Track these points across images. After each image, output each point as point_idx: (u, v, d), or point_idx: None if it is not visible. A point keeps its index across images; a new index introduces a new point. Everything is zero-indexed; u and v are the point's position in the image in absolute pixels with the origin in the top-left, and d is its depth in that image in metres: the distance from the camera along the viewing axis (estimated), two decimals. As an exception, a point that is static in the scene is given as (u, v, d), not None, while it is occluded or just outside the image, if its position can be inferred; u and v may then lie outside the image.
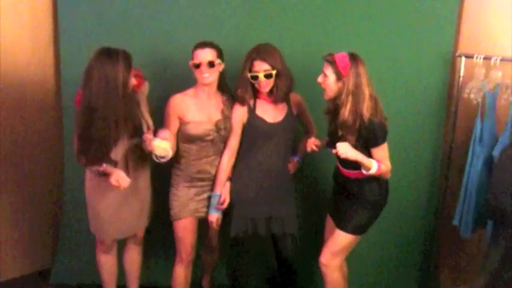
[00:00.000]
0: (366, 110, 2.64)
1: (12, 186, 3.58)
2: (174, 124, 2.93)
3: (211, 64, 2.86)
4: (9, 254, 3.64)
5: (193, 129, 2.92)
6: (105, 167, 2.77)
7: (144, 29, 3.37)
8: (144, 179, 3.04)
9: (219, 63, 2.90)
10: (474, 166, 3.16)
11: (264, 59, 2.85)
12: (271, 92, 2.95)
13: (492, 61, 3.13)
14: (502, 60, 3.12)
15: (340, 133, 2.74)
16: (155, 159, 2.76)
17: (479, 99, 3.17)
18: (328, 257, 2.90)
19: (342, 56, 2.69)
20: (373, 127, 2.67)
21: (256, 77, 2.87)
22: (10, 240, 3.63)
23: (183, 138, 2.96)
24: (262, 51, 2.87)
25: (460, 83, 3.30)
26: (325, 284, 2.95)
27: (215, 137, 2.96)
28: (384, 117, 2.72)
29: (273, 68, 2.86)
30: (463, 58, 3.26)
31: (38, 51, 3.53)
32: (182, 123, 2.93)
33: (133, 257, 3.25)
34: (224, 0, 3.35)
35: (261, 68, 2.86)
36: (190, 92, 2.97)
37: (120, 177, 2.78)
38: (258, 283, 3.45)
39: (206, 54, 2.86)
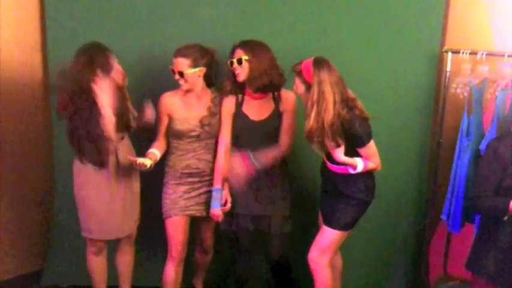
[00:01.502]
0: (328, 117, 2.63)
1: (2, 188, 3.57)
2: (164, 121, 3.03)
3: (180, 74, 2.92)
4: (0, 256, 3.63)
5: (179, 125, 3.00)
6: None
7: (133, 27, 3.37)
8: (135, 175, 3.07)
9: (193, 72, 2.93)
10: (461, 160, 3.17)
11: (241, 46, 2.91)
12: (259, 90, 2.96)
13: (478, 56, 3.13)
14: (488, 54, 3.13)
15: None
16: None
17: (466, 94, 3.17)
18: (315, 253, 2.91)
19: (306, 64, 2.70)
20: (355, 129, 2.68)
21: (232, 63, 2.93)
22: (0, 242, 3.61)
23: (171, 133, 3.04)
24: (243, 41, 2.94)
25: (447, 78, 3.30)
26: (314, 281, 2.95)
27: (200, 133, 3.01)
28: (365, 115, 2.72)
29: (248, 55, 2.89)
30: (450, 53, 3.26)
31: (25, 51, 3.52)
32: (170, 119, 3.02)
33: (127, 258, 3.24)
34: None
35: (237, 54, 2.91)
36: (180, 91, 3.02)
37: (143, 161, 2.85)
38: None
39: (177, 64, 2.94)
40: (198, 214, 3.10)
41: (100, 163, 2.82)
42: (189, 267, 3.34)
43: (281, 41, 3.21)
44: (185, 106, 3.02)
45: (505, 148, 2.57)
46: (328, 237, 2.88)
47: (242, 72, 2.91)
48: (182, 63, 2.92)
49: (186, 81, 2.94)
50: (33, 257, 3.76)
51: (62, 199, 3.57)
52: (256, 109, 3.01)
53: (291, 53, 3.05)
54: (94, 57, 2.77)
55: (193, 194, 3.07)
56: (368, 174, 2.85)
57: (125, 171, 2.99)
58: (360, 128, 2.69)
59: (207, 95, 3.06)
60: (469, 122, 3.17)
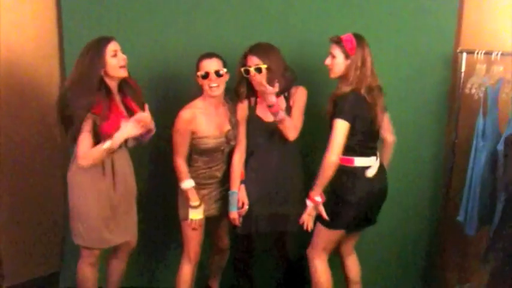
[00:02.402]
0: (366, 82, 2.74)
1: (17, 190, 3.61)
2: (187, 139, 2.94)
3: (218, 73, 2.90)
4: (17, 258, 3.66)
5: (205, 144, 2.96)
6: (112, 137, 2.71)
7: (148, 31, 3.40)
8: (132, 177, 3.01)
9: (226, 73, 2.94)
10: (478, 162, 3.15)
11: (256, 54, 2.90)
12: None
13: (493, 56, 3.12)
14: (503, 54, 3.11)
15: None
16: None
17: (481, 95, 3.16)
18: (309, 248, 2.99)
19: (347, 36, 2.78)
20: (345, 98, 2.72)
21: (247, 71, 2.92)
22: (17, 244, 3.65)
23: (194, 150, 2.99)
24: (255, 47, 2.93)
25: (462, 79, 3.29)
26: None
27: (226, 147, 3.02)
28: (362, 96, 2.73)
29: (265, 63, 2.89)
30: (464, 54, 3.25)
31: (41, 52, 3.56)
32: (194, 137, 2.95)
33: (122, 265, 3.15)
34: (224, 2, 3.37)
35: (253, 62, 2.91)
36: (198, 103, 2.99)
37: (141, 119, 2.74)
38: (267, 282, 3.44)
39: (213, 64, 2.91)
40: (216, 213, 3.11)
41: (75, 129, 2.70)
42: (202, 269, 3.35)
43: (290, 44, 3.23)
44: (207, 121, 2.96)
45: None
46: (317, 233, 2.93)
47: (261, 80, 2.90)
48: (218, 63, 2.92)
49: (221, 82, 2.92)
50: (51, 259, 3.79)
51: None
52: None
53: (300, 56, 3.09)
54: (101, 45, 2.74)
55: (212, 195, 3.09)
56: (352, 173, 2.82)
57: (122, 178, 2.91)
58: (347, 102, 2.71)
59: (224, 105, 3.06)
60: (485, 122, 3.15)
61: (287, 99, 3.03)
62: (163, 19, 3.39)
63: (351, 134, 2.75)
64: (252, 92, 3.02)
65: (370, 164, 2.83)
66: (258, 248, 3.29)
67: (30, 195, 3.67)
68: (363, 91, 2.74)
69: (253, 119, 3.03)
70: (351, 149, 2.78)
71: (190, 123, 2.92)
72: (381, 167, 2.91)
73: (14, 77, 3.47)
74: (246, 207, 3.05)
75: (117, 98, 2.84)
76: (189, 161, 3.01)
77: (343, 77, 2.79)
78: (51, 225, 3.78)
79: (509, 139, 2.71)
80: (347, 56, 2.77)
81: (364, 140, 2.81)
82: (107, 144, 2.68)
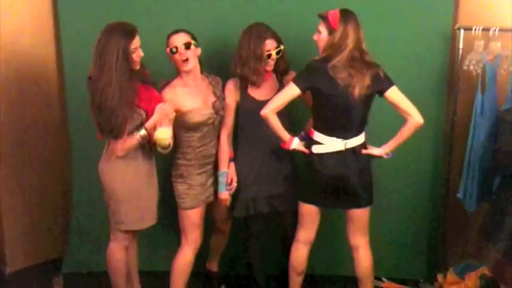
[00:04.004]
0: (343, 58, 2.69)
1: (21, 176, 3.64)
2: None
3: (187, 45, 2.90)
4: (20, 243, 3.71)
5: (194, 117, 2.96)
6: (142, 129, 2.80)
7: (149, 16, 3.39)
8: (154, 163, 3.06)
9: (195, 45, 2.94)
10: (476, 138, 3.15)
11: (273, 37, 2.95)
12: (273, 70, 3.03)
13: (491, 32, 3.11)
14: (500, 30, 3.10)
15: None
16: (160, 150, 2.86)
17: (479, 71, 3.15)
18: None
19: (333, 12, 2.75)
20: (306, 66, 2.76)
21: (270, 55, 2.94)
22: (21, 230, 3.69)
23: (184, 128, 2.98)
24: (268, 31, 2.95)
25: (460, 56, 3.28)
26: None
27: (215, 119, 3.01)
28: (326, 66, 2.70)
29: (280, 43, 2.97)
30: (462, 31, 3.23)
31: (38, 45, 3.58)
32: (181, 114, 2.93)
33: (135, 250, 3.21)
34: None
35: (273, 46, 2.94)
36: (177, 82, 3.00)
37: (165, 109, 2.81)
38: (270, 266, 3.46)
39: (180, 38, 2.92)
40: (214, 198, 3.13)
41: (116, 133, 2.75)
42: (201, 252, 3.36)
43: (288, 19, 3.24)
44: (190, 96, 2.98)
45: None
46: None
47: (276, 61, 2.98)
48: (186, 36, 2.93)
49: (192, 55, 2.91)
50: (54, 244, 3.83)
51: (80, 187, 3.63)
52: (263, 90, 3.02)
53: (298, 32, 3.09)
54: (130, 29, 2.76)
55: (211, 180, 3.10)
56: (311, 146, 2.84)
57: (151, 159, 2.99)
58: (304, 69, 2.76)
59: (203, 80, 3.06)
60: (483, 99, 3.15)
61: (282, 84, 3.03)
62: (161, 3, 3.39)
63: (313, 105, 2.83)
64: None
65: (326, 143, 2.80)
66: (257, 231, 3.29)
67: (34, 182, 3.70)
68: (333, 63, 2.68)
69: (245, 98, 3.02)
70: (314, 121, 2.85)
71: (172, 102, 2.90)
72: (353, 157, 2.81)
73: (10, 64, 3.48)
74: (235, 184, 3.05)
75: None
76: (185, 142, 3.01)
77: (322, 50, 2.78)
78: (54, 212, 3.81)
79: (500, 113, 2.73)
80: (330, 31, 2.74)
81: (323, 115, 2.79)
82: (142, 132, 2.80)
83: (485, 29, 3.12)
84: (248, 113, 3.02)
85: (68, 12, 3.43)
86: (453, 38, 3.34)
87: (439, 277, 3.41)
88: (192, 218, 3.05)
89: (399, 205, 3.55)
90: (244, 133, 3.07)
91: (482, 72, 3.15)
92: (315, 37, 2.82)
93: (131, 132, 2.80)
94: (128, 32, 2.72)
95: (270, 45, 2.93)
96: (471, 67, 3.19)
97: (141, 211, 2.95)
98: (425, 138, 3.45)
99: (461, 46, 3.26)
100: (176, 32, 2.95)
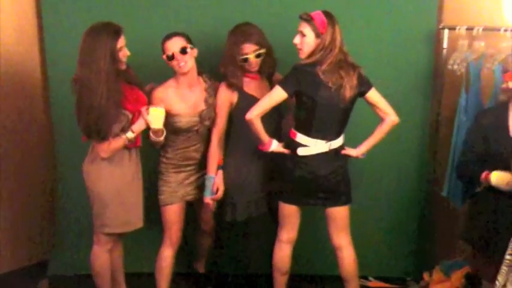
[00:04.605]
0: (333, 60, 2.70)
1: (6, 179, 3.60)
2: None
3: (183, 50, 2.88)
4: (6, 246, 3.67)
5: (179, 122, 2.95)
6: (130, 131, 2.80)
7: (134, 18, 3.35)
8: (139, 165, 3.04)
9: (192, 48, 2.92)
10: (460, 137, 3.17)
11: (251, 40, 2.88)
12: (258, 71, 3.00)
13: (474, 31, 3.13)
14: (484, 30, 3.12)
15: None
16: (153, 137, 2.84)
17: (463, 70, 3.17)
18: None
19: (317, 14, 2.73)
20: (293, 68, 2.75)
21: (246, 59, 2.91)
22: (7, 232, 3.65)
23: (169, 130, 2.96)
24: (248, 33, 2.90)
25: (444, 56, 3.30)
26: None
27: (199, 127, 3.00)
28: (313, 72, 2.70)
29: (261, 47, 2.90)
30: (446, 30, 3.26)
31: (22, 41, 3.54)
32: (168, 115, 2.91)
33: (121, 252, 3.18)
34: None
35: (250, 49, 2.89)
36: (171, 83, 2.98)
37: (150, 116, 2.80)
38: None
39: (176, 43, 2.88)
40: (197, 197, 3.12)
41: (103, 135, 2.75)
42: (187, 252, 3.39)
43: (272, 18, 3.23)
44: (180, 99, 2.97)
45: (487, 119, 2.71)
46: None
47: (258, 64, 2.95)
48: (181, 40, 2.89)
49: (189, 58, 2.89)
50: (40, 247, 3.79)
51: (66, 189, 3.60)
52: (258, 90, 3.01)
53: (283, 31, 3.05)
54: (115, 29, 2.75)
55: (192, 179, 3.09)
56: (292, 147, 2.83)
57: (137, 161, 2.97)
58: (292, 73, 2.75)
59: (199, 84, 3.04)
60: (467, 98, 3.18)
61: (271, 84, 3.02)
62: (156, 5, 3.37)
63: (297, 108, 2.80)
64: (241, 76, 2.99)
65: (310, 145, 2.80)
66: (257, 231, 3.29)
67: (18, 184, 3.67)
68: (323, 67, 2.69)
69: (245, 98, 2.96)
70: (297, 123, 2.83)
71: (162, 102, 2.90)
72: (333, 158, 2.84)
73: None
74: (220, 194, 3.03)
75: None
76: (168, 141, 3.00)
77: (310, 55, 2.75)
78: (39, 214, 3.78)
79: (475, 115, 2.87)
80: (318, 35, 2.71)
81: (310, 118, 2.77)
82: (129, 135, 2.79)
83: (469, 28, 3.15)
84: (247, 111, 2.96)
85: (52, 10, 3.39)
86: (437, 38, 3.36)
87: (426, 275, 3.43)
88: (168, 215, 3.06)
89: (385, 204, 3.57)
90: (242, 132, 2.98)
91: (467, 71, 3.17)
92: (297, 40, 2.76)
93: (116, 134, 2.79)
94: (114, 31, 2.71)
95: (247, 48, 2.89)
96: (455, 66, 3.20)
97: (126, 214, 2.93)
98: (411, 138, 3.49)
99: (445, 46, 3.29)
100: (170, 37, 2.90)
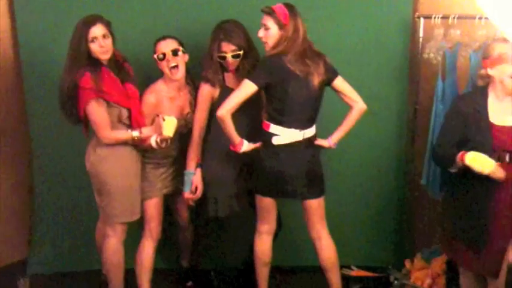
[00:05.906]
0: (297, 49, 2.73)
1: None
2: (149, 120, 2.97)
3: (175, 52, 2.90)
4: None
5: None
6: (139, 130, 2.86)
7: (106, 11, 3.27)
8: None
9: (184, 52, 2.94)
10: (437, 125, 3.18)
11: (231, 40, 2.89)
12: (236, 69, 2.98)
13: (450, 20, 3.14)
14: (459, 18, 3.13)
15: None
16: (157, 144, 2.85)
17: (439, 58, 3.18)
18: None
19: (279, 7, 2.77)
20: (261, 62, 2.79)
21: (224, 57, 2.91)
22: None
23: None
24: (228, 32, 2.90)
25: (421, 44, 3.31)
26: None
27: (183, 129, 3.02)
28: (276, 60, 2.73)
29: (240, 49, 2.90)
30: (422, 19, 3.27)
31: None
32: (155, 117, 2.93)
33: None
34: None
35: (229, 48, 2.90)
36: (161, 87, 3.01)
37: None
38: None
39: (168, 44, 2.92)
40: (174, 189, 3.14)
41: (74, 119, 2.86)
42: (171, 248, 3.40)
43: (247, 10, 3.16)
44: (169, 103, 3.01)
45: (466, 104, 2.71)
46: None
47: (235, 64, 2.95)
48: (174, 42, 2.93)
49: (180, 61, 2.93)
50: (19, 246, 3.75)
51: (43, 187, 3.56)
52: (238, 83, 2.95)
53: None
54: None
55: (169, 171, 3.13)
56: (267, 139, 2.84)
57: (138, 155, 3.00)
58: (261, 66, 2.78)
59: (186, 87, 3.07)
60: (444, 86, 3.19)
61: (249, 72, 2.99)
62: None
63: (268, 100, 2.81)
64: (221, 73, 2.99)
65: (284, 135, 2.81)
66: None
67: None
68: (289, 57, 2.73)
69: (227, 93, 2.90)
70: (269, 115, 2.83)
71: (155, 108, 2.95)
72: (305, 149, 2.86)
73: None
74: (199, 194, 3.04)
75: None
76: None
77: (275, 46, 2.78)
78: (17, 213, 3.73)
79: (453, 101, 2.88)
80: (281, 27, 2.75)
81: (282, 108, 2.79)
82: (135, 133, 2.84)
83: (445, 17, 3.15)
84: None
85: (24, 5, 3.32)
86: (413, 27, 3.37)
87: (407, 263, 3.45)
88: (147, 209, 3.08)
89: (365, 194, 3.59)
90: (220, 130, 2.90)
91: (443, 59, 3.19)
92: (261, 33, 2.80)
93: (112, 122, 2.84)
94: (88, 21, 2.77)
95: (225, 47, 2.90)
96: (431, 55, 3.21)
97: (131, 204, 2.97)
98: (389, 127, 3.51)
99: (421, 34, 3.29)
100: (163, 38, 2.95)
